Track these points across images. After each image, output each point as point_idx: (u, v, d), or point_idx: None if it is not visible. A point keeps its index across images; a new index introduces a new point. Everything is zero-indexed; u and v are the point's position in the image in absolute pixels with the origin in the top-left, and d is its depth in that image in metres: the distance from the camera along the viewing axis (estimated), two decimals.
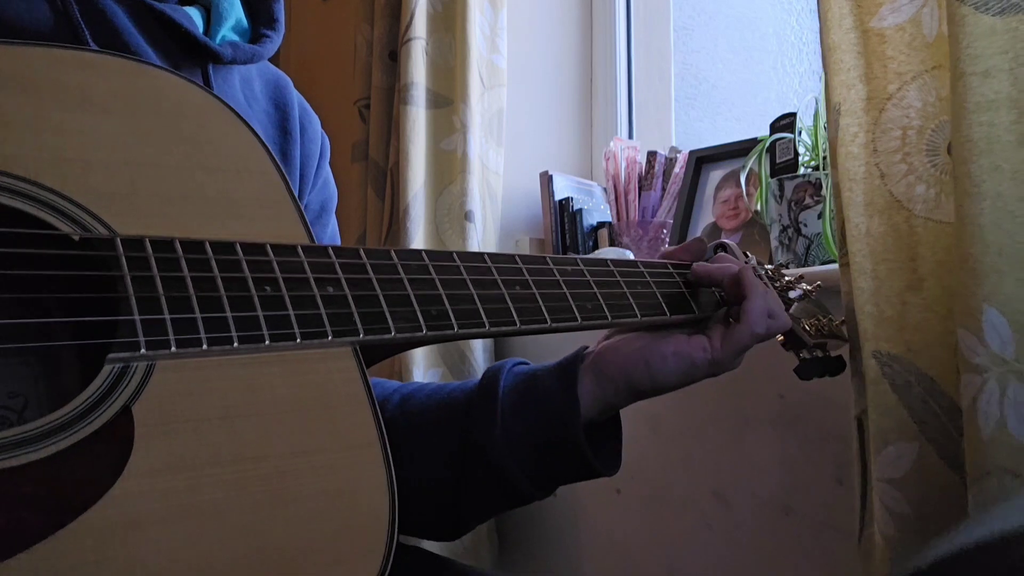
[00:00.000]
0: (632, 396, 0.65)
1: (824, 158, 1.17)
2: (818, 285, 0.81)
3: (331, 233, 0.79)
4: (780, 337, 0.76)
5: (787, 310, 0.75)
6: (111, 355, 0.42)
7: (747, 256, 0.77)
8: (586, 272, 0.63)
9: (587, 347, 0.68)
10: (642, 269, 0.67)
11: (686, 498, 1.23)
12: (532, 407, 0.64)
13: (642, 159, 1.57)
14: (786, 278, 0.79)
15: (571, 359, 0.66)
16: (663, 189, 1.54)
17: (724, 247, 0.75)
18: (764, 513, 1.15)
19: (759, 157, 1.26)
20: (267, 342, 0.45)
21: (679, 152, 1.53)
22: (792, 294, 0.77)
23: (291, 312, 0.47)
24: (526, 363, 0.70)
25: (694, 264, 0.70)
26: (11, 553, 0.36)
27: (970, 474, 0.70)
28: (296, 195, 0.54)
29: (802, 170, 1.21)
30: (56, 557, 0.37)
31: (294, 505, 0.44)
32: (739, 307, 0.66)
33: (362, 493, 0.46)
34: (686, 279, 0.69)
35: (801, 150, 1.22)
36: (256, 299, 0.46)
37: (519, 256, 0.60)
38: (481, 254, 0.58)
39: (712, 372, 0.65)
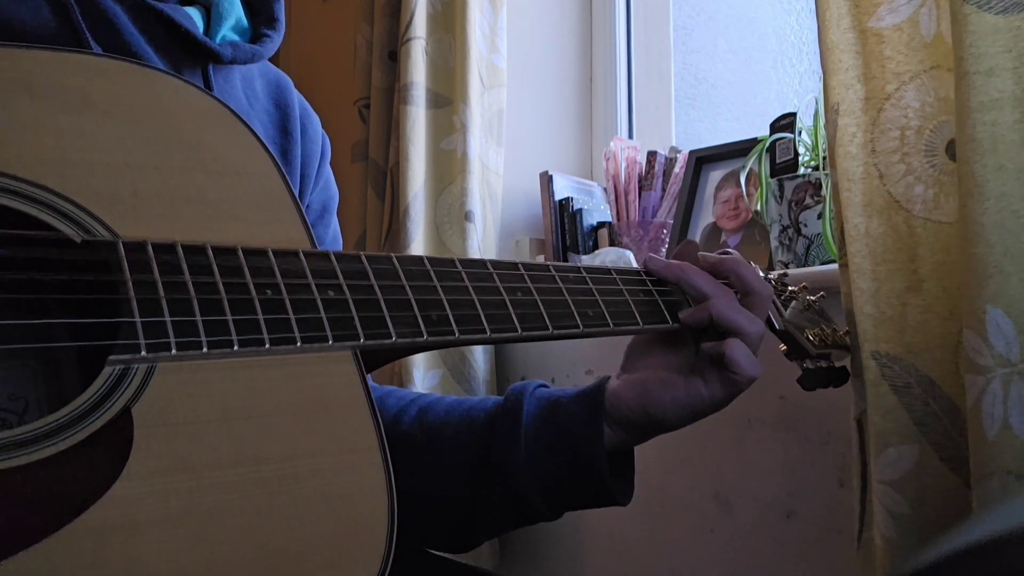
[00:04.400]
0: (644, 438, 0.67)
1: (824, 158, 1.17)
2: (822, 295, 0.81)
3: (333, 234, 0.79)
4: (783, 347, 0.76)
5: (787, 319, 0.74)
6: (112, 357, 0.42)
7: (751, 265, 0.77)
8: (588, 279, 0.63)
9: (609, 377, 0.68)
10: (644, 277, 0.67)
11: (687, 501, 1.23)
12: (555, 433, 0.65)
13: (642, 159, 1.57)
14: (789, 288, 0.79)
15: (595, 389, 0.66)
16: (663, 189, 1.54)
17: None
18: (766, 516, 1.15)
19: (759, 157, 1.26)
20: (267, 345, 0.45)
21: (679, 152, 1.53)
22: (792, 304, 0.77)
23: (292, 316, 0.47)
24: (547, 386, 0.70)
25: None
26: (10, 553, 0.36)
27: (974, 476, 0.70)
28: (297, 196, 0.54)
29: (802, 170, 1.21)
30: (55, 557, 0.37)
31: (293, 508, 0.44)
32: (722, 352, 0.63)
33: (361, 496, 0.46)
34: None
35: (801, 150, 1.22)
36: (257, 302, 0.46)
37: (522, 263, 0.61)
38: (483, 261, 0.59)
39: (718, 409, 0.66)
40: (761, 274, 0.74)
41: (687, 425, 0.66)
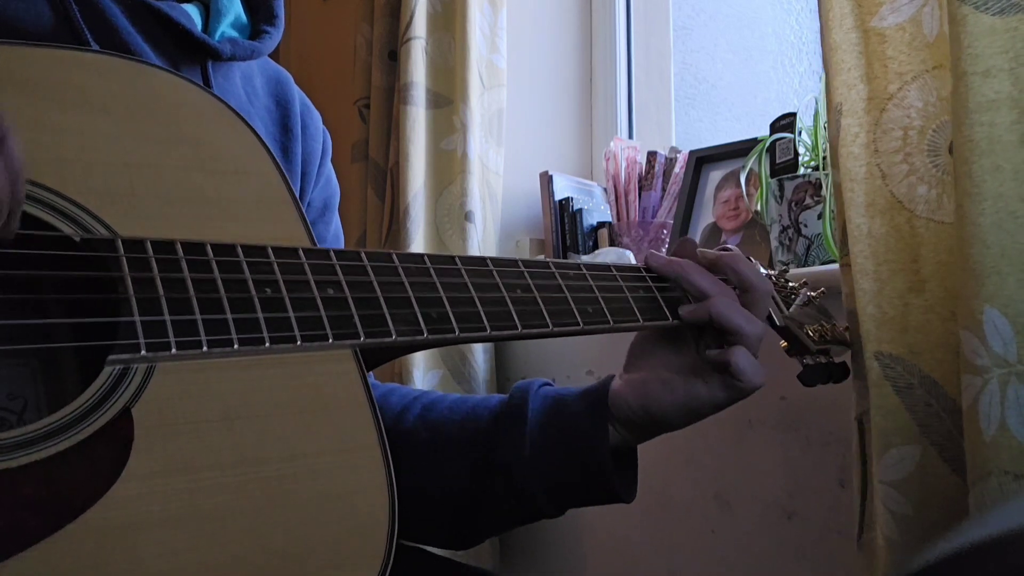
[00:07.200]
0: (647, 437, 0.67)
1: (824, 158, 1.17)
2: (822, 292, 0.81)
3: (334, 231, 0.79)
4: (784, 343, 0.76)
5: (790, 315, 0.74)
6: (111, 356, 0.42)
7: (750, 262, 0.77)
8: (588, 276, 0.63)
9: (613, 376, 0.68)
10: (644, 274, 0.67)
11: (688, 502, 1.23)
12: (560, 432, 0.65)
13: (642, 159, 1.57)
14: (789, 284, 0.79)
15: (599, 388, 0.67)
16: (663, 189, 1.54)
17: None
18: (766, 517, 1.14)
19: (759, 157, 1.26)
20: (267, 344, 0.45)
21: (679, 152, 1.53)
22: (797, 300, 0.77)
23: (291, 314, 0.47)
24: (551, 384, 0.70)
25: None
26: (10, 553, 0.36)
27: (971, 476, 0.70)
28: (298, 193, 0.54)
29: (802, 170, 1.21)
30: (55, 558, 0.37)
31: (294, 508, 0.43)
32: (727, 360, 0.62)
33: (362, 495, 0.46)
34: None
35: (801, 150, 1.22)
36: (256, 301, 0.46)
37: (521, 260, 0.60)
38: (483, 258, 0.58)
39: (720, 410, 0.66)
40: (762, 270, 0.74)
41: (689, 424, 0.66)
